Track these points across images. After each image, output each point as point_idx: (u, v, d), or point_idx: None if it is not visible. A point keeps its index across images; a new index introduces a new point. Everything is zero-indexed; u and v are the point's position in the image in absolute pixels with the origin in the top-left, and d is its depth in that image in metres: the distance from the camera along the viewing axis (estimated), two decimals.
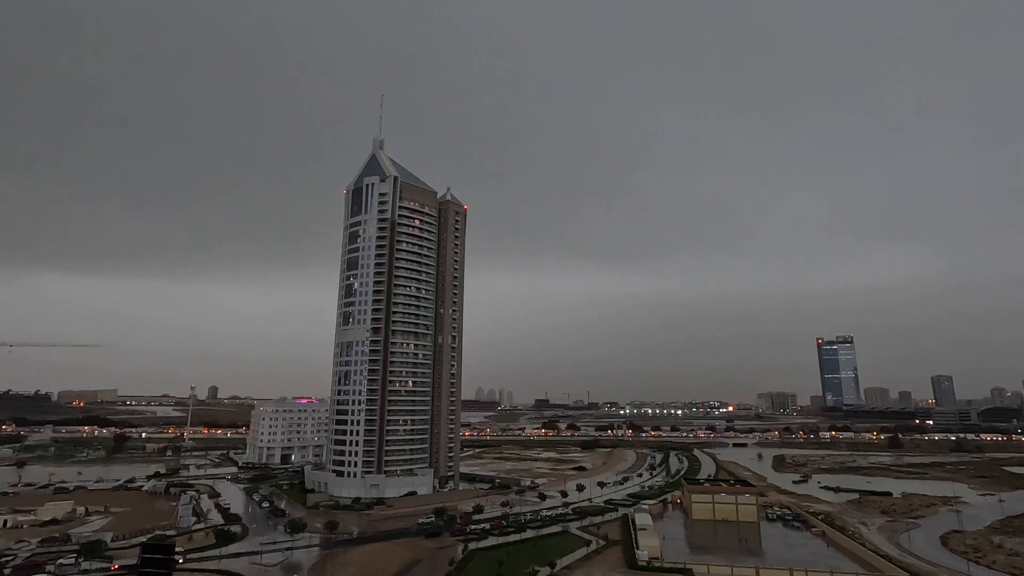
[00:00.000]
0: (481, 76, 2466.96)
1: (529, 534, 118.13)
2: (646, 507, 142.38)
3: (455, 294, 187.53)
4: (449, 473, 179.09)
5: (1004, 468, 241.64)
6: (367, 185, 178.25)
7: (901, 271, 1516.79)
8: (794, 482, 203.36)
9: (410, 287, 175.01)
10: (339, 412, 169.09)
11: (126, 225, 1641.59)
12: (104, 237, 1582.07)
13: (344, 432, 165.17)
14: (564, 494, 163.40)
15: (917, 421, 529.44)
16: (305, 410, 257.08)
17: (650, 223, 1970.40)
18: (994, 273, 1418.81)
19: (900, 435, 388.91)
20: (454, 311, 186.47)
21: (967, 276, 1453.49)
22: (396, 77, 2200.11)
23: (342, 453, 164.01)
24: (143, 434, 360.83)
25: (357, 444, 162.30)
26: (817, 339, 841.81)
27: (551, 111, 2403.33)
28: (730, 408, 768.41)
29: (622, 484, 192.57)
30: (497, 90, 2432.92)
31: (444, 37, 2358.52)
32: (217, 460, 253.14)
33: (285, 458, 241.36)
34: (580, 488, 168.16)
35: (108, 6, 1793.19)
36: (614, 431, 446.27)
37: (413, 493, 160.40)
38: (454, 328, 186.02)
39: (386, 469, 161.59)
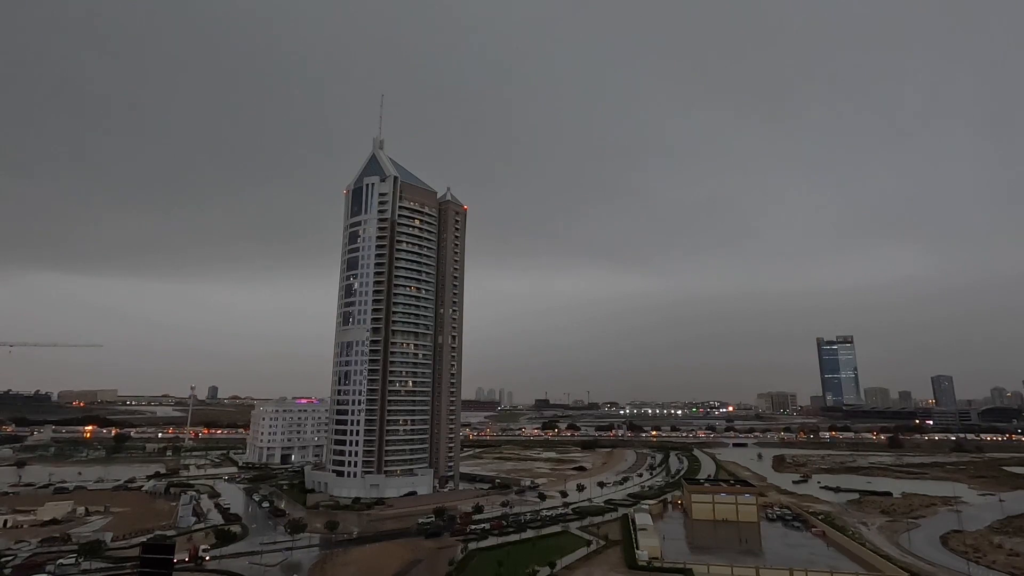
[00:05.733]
0: (481, 76, 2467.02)
1: (529, 534, 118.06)
2: (646, 507, 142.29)
3: (455, 294, 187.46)
4: (449, 473, 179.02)
5: (1004, 468, 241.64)
6: (367, 185, 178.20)
7: (901, 271, 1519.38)
8: (794, 482, 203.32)
9: (410, 287, 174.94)
10: (339, 412, 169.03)
11: (126, 225, 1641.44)
12: (104, 237, 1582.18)
13: (344, 432, 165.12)
14: (564, 494, 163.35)
15: (917, 421, 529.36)
16: (305, 410, 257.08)
17: (651, 222, 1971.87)
18: (994, 273, 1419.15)
19: (900, 435, 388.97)
20: (454, 311, 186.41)
21: (967, 276, 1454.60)
22: (396, 77, 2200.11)
23: (342, 453, 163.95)
24: (157, 435, 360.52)
25: (357, 444, 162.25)
26: (817, 339, 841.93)
27: (552, 111, 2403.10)
28: (730, 408, 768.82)
29: (622, 484, 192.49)
30: (497, 90, 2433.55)
31: (445, 37, 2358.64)
32: (217, 460, 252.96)
33: (285, 458, 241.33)
34: (580, 488, 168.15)
35: (110, 6, 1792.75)
36: (614, 431, 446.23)
37: (413, 493, 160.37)
38: (454, 328, 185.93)
39: (386, 469, 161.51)
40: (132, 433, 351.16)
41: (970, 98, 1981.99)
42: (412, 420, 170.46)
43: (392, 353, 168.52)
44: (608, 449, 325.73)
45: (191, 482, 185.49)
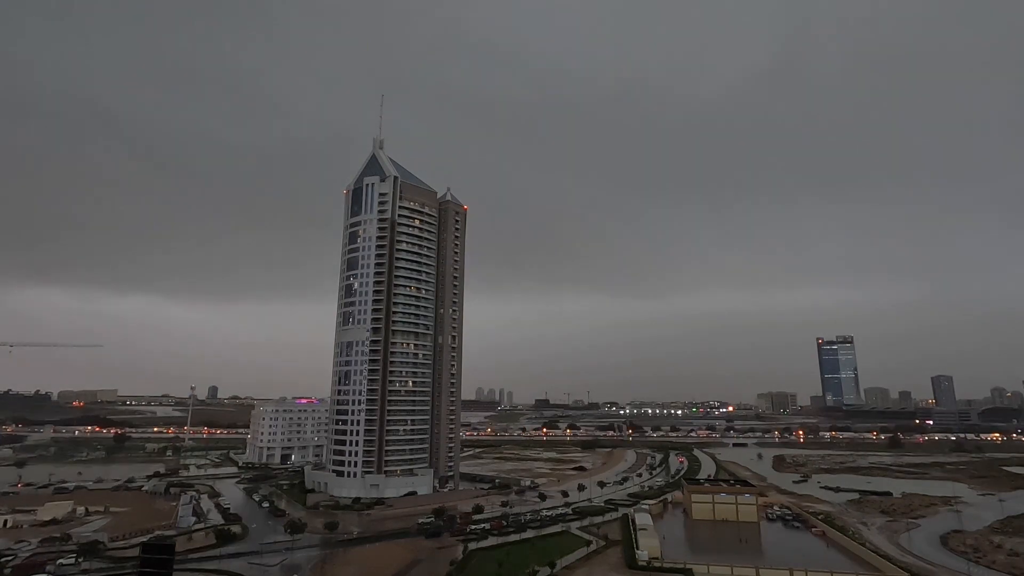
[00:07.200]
0: (481, 76, 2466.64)
1: (529, 534, 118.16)
2: (646, 507, 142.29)
3: (455, 294, 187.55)
4: (449, 473, 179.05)
5: (1004, 468, 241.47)
6: (367, 185, 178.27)
7: (901, 271, 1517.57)
8: (794, 482, 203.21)
9: (410, 287, 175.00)
10: (339, 412, 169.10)
11: (126, 225, 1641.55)
12: (104, 237, 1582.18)
13: (344, 432, 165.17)
14: (564, 494, 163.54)
15: (917, 421, 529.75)
16: (305, 410, 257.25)
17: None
18: (994, 273, 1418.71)
19: (900, 435, 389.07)
20: (454, 311, 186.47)
21: (966, 276, 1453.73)
22: (396, 77, 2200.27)
23: (342, 453, 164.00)
24: (157, 434, 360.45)
25: (357, 444, 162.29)
26: (817, 339, 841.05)
27: (551, 111, 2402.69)
28: (730, 408, 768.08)
29: (622, 484, 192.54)
30: (496, 90, 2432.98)
31: (445, 37, 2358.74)
32: (217, 460, 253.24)
33: (285, 458, 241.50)
34: (580, 488, 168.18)
35: (110, 3, 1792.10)
36: (614, 431, 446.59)
37: (413, 493, 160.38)
38: (454, 328, 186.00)
39: (386, 469, 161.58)
40: (132, 433, 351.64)
41: (969, 97, 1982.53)
42: (412, 420, 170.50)
43: (392, 353, 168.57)
44: (608, 449, 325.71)
45: (191, 482, 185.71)
